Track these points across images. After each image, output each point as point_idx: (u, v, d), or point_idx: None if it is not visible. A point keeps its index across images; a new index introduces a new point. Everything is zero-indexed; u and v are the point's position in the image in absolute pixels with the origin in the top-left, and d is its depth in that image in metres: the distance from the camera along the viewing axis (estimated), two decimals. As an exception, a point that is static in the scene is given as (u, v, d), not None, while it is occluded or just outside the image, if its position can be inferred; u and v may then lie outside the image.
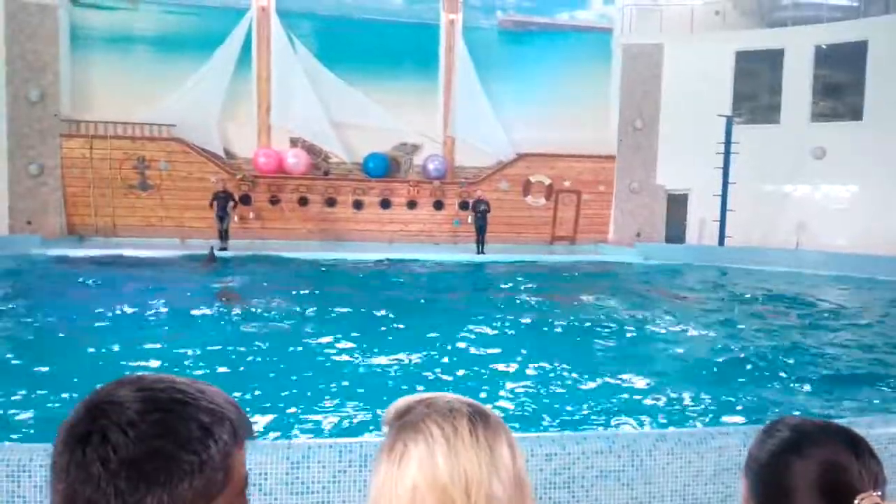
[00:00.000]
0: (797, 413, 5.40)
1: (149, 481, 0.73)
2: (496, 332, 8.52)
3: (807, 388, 6.45)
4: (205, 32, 18.53)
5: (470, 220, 18.39)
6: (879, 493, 1.00)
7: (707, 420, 5.33)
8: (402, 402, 0.89)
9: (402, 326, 8.67)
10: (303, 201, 18.96)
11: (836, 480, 1.02)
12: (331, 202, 19.15)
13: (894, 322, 10.06)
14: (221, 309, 9.59)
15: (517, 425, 5.04)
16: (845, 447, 1.05)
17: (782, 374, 6.90)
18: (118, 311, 8.93)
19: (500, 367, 6.80)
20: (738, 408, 5.73)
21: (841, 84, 18.65)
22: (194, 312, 9.16)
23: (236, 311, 9.40)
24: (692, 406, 5.75)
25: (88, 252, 15.24)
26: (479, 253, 17.74)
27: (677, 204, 20.07)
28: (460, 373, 6.58)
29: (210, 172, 18.21)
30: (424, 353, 7.35)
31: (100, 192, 17.90)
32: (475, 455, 0.81)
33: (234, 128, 18.94)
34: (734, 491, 2.65)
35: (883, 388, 6.45)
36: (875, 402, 6.00)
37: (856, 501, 0.99)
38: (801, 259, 16.70)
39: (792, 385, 6.56)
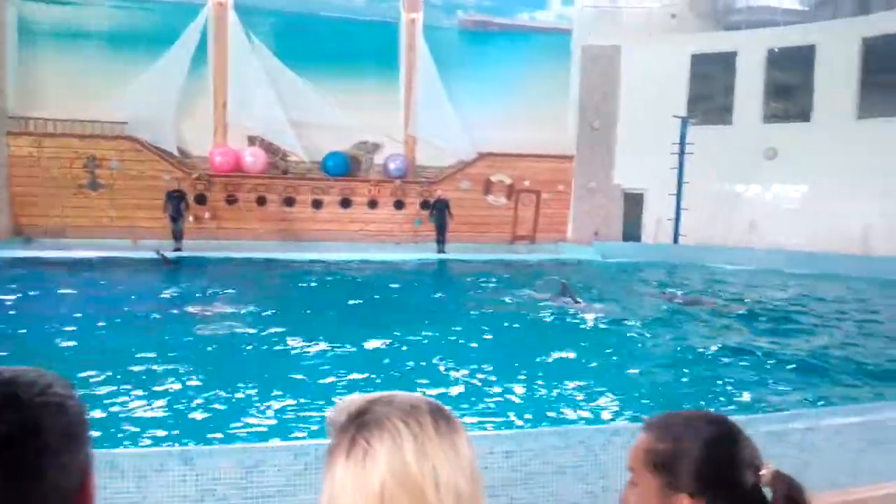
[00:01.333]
0: (733, 408, 5.53)
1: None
2: (455, 330, 8.52)
3: (754, 381, 6.62)
4: (159, 28, 18.10)
5: (431, 219, 18.38)
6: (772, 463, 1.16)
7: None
8: (352, 403, 0.87)
9: (359, 327, 8.61)
10: (261, 201, 18.68)
11: (754, 458, 1.16)
12: (289, 202, 18.92)
13: (841, 316, 10.41)
14: (174, 311, 9.38)
15: (476, 423, 5.05)
16: (738, 432, 1.20)
17: (729, 368, 7.08)
18: (66, 314, 8.65)
19: (459, 365, 6.81)
20: (688, 401, 5.85)
21: (791, 86, 19.22)
22: (145, 315, 8.94)
23: (192, 311, 9.20)
24: (644, 401, 5.85)
25: (36, 253, 14.74)
26: (440, 252, 17.76)
27: (634, 203, 20.42)
28: (418, 372, 6.57)
29: (163, 171, 17.81)
30: (383, 352, 7.32)
31: (48, 192, 17.33)
32: (441, 451, 0.81)
33: (189, 126, 18.55)
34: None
35: (823, 380, 6.66)
36: (812, 393, 6.20)
37: (763, 471, 1.13)
38: (752, 257, 17.16)
39: (738, 378, 6.73)
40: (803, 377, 6.79)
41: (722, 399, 5.97)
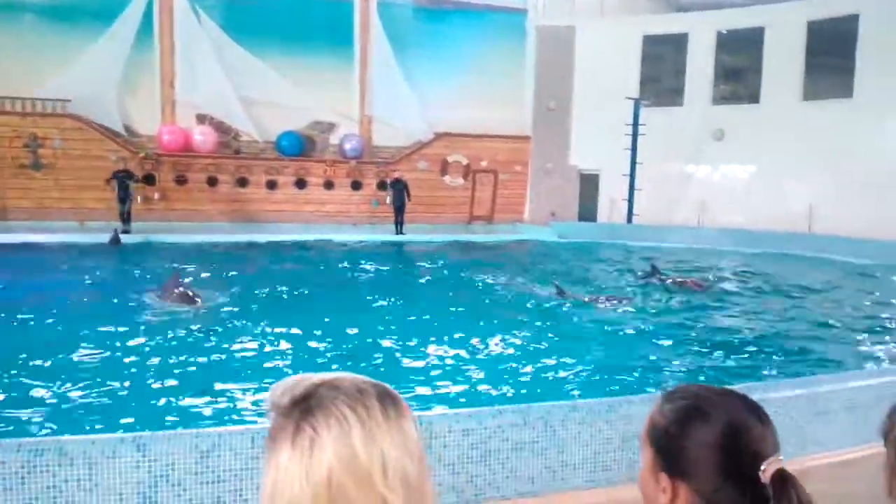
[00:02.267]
0: (702, 379, 5.71)
1: None
2: (414, 311, 8.52)
3: (704, 356, 6.82)
4: (103, 2, 17.38)
5: (388, 200, 18.28)
6: (781, 457, 1.03)
7: (615, 390, 5.55)
8: (295, 385, 0.84)
9: (316, 308, 8.53)
10: (212, 181, 18.25)
11: (740, 443, 1.04)
12: (242, 182, 18.54)
13: (784, 293, 10.78)
14: (123, 295, 9.12)
15: (435, 403, 5.08)
16: (747, 411, 1.08)
17: (683, 344, 7.28)
18: (10, 299, 8.33)
19: (418, 345, 6.83)
20: (642, 376, 6.00)
21: (740, 68, 19.66)
22: (94, 299, 8.68)
23: (141, 294, 8.96)
24: (601, 376, 5.96)
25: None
26: (397, 233, 17.69)
27: (589, 183, 20.69)
28: (375, 352, 6.55)
29: (109, 150, 17.21)
30: (339, 334, 7.27)
31: (-13, 173, 16.59)
32: (389, 435, 0.80)
33: (135, 104, 17.94)
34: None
35: (774, 356, 6.91)
36: (766, 368, 6.42)
37: (763, 467, 1.01)
38: (701, 236, 17.61)
39: (690, 354, 6.92)
40: (755, 352, 7.02)
41: (673, 375, 6.13)
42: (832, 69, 17.79)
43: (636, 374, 6.08)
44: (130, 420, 4.60)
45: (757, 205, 18.08)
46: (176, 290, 8.61)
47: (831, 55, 17.75)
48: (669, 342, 7.37)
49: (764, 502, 1.01)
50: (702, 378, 5.83)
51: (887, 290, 11.26)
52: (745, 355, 6.86)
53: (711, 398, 1.11)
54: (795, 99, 18.16)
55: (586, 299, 9.63)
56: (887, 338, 7.72)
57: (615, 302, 9.50)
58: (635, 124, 18.77)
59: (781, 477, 1.01)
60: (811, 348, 7.13)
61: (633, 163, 18.77)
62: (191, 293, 8.62)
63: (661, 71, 20.28)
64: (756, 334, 7.80)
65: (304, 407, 0.81)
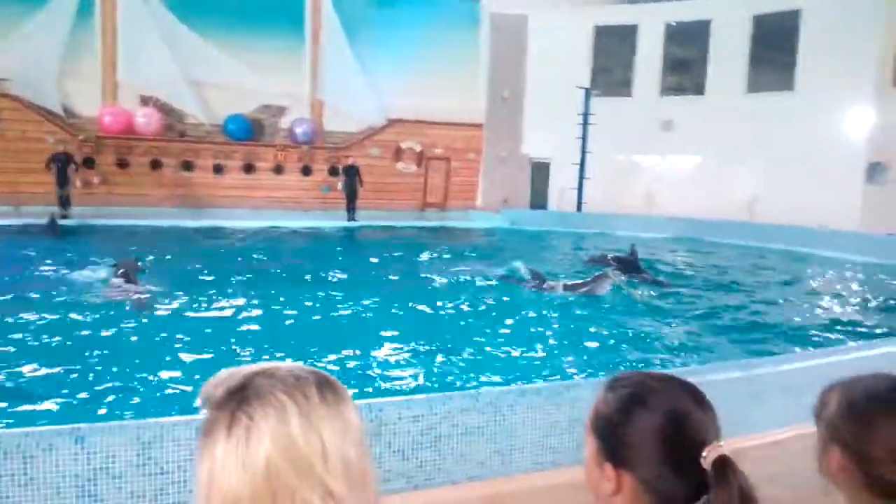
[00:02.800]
0: (642, 366, 5.86)
1: None
2: (365, 297, 8.48)
3: (647, 341, 7.00)
4: (37, -25, 16.60)
5: (340, 186, 18.08)
6: (723, 443, 1.03)
7: (560, 375, 5.65)
8: (230, 376, 0.83)
9: (265, 296, 8.40)
10: (155, 165, 17.71)
11: (682, 431, 1.04)
12: (187, 166, 18.05)
13: (726, 277, 11.14)
14: (61, 281, 8.80)
15: (385, 390, 5.07)
16: (688, 398, 1.08)
17: (627, 328, 7.45)
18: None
19: (368, 332, 6.80)
20: (587, 363, 6.12)
21: (687, 60, 20.10)
22: (30, 285, 8.34)
23: (79, 279, 8.66)
24: (548, 362, 6.06)
25: None
26: (350, 220, 17.54)
27: (541, 172, 20.91)
28: (325, 339, 6.50)
29: (47, 132, 16.51)
30: (288, 321, 7.18)
31: (-87, 153, 15.72)
32: (328, 421, 0.80)
33: (74, 84, 17.22)
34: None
35: (714, 340, 7.14)
36: (705, 352, 6.64)
37: (704, 453, 1.01)
38: (647, 223, 18.02)
39: (635, 338, 7.10)
40: (694, 335, 7.24)
41: (619, 359, 6.27)
42: (775, 63, 18.37)
43: (586, 359, 6.20)
44: (68, 412, 4.45)
45: (702, 194, 18.58)
46: (120, 282, 8.30)
47: (775, 49, 18.31)
48: (621, 328, 7.53)
49: (707, 488, 1.01)
50: (641, 365, 5.98)
51: (824, 278, 11.76)
52: (687, 341, 7.06)
53: (653, 386, 1.10)
54: (739, 91, 18.68)
55: (561, 289, 9.28)
56: (820, 323, 8.07)
57: (585, 289, 9.23)
58: (586, 114, 19.04)
59: (722, 463, 1.01)
60: (750, 333, 7.39)
61: (584, 152, 19.05)
62: (135, 285, 8.33)
63: (612, 62, 20.58)
64: (697, 320, 8.04)
65: (239, 397, 0.80)
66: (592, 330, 7.39)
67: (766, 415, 2.84)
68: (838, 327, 7.77)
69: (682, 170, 19.58)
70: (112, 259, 9.63)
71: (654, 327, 7.56)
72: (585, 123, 19.03)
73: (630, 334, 7.27)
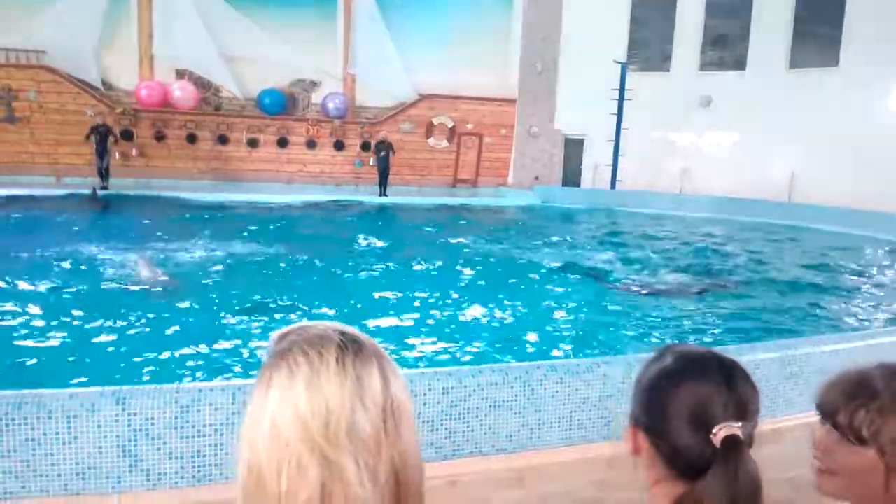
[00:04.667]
0: (692, 340, 5.81)
1: None
2: (399, 272, 8.54)
3: (696, 318, 6.93)
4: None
5: (372, 161, 18.11)
6: (741, 423, 1.03)
7: (594, 351, 5.63)
8: (285, 331, 0.84)
9: (299, 268, 8.52)
10: (191, 138, 17.94)
11: (702, 411, 1.05)
12: (223, 139, 18.25)
13: (764, 256, 10.93)
14: (103, 251, 9.02)
15: (419, 362, 5.12)
16: (717, 377, 1.08)
17: (660, 310, 7.38)
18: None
19: (403, 306, 6.86)
20: (624, 337, 6.09)
21: (728, 35, 19.53)
22: (72, 255, 8.57)
23: (123, 250, 8.87)
24: (581, 338, 6.04)
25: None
26: (381, 195, 17.59)
27: (574, 148, 20.64)
28: (362, 314, 6.57)
29: (86, 105, 16.82)
30: (324, 295, 7.27)
31: (-40, 125, 16.19)
32: (339, 384, 0.76)
33: (112, 57, 17.48)
34: (616, 415, 2.82)
35: (748, 317, 7.03)
36: (735, 329, 6.54)
37: (714, 430, 1.02)
38: (683, 202, 17.72)
39: (678, 315, 7.03)
40: (729, 315, 7.14)
41: (648, 338, 6.22)
42: (819, 37, 17.75)
43: (621, 334, 6.17)
44: (109, 376, 4.59)
45: (740, 173, 18.18)
46: (148, 268, 8.26)
47: (819, 23, 17.68)
48: (650, 306, 7.46)
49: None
50: (693, 339, 5.92)
51: (866, 260, 11.45)
52: (724, 317, 6.97)
53: (688, 360, 1.12)
54: (781, 67, 18.13)
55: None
56: (858, 304, 7.88)
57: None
58: (622, 89, 18.67)
59: (730, 443, 1.01)
60: (786, 314, 7.27)
61: (619, 128, 18.73)
62: (162, 272, 8.24)
63: (650, 35, 20.10)
64: (736, 300, 7.92)
65: (272, 352, 0.81)
66: (630, 306, 7.34)
67: (806, 396, 2.81)
68: (883, 310, 7.58)
69: (720, 147, 19.16)
70: (145, 235, 9.80)
71: (694, 307, 7.48)
72: (621, 99, 18.68)
73: (664, 315, 7.21)
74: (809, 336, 4.29)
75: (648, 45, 20.09)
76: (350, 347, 0.79)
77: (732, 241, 13.20)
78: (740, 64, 18.94)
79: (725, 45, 19.55)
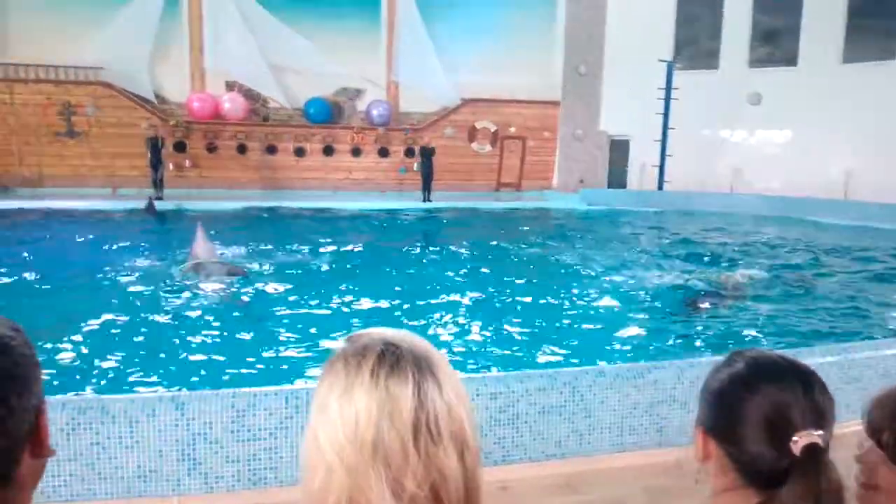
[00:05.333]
0: (764, 344, 5.67)
1: None
2: (445, 277, 8.57)
3: (753, 323, 6.76)
4: (130, -32, 17.43)
5: (416, 167, 18.22)
6: (821, 431, 1.00)
7: (644, 355, 5.54)
8: (352, 333, 0.88)
9: (350, 274, 8.63)
10: (241, 149, 18.39)
11: (780, 415, 1.03)
12: (271, 149, 18.64)
13: (821, 257, 10.58)
14: (159, 260, 9.31)
15: (467, 367, 5.13)
16: (794, 383, 1.06)
17: (721, 311, 7.21)
18: (56, 270, 8.56)
19: (446, 310, 6.88)
20: (673, 343, 5.97)
21: (778, 30, 18.99)
22: (131, 264, 8.88)
23: (177, 262, 9.14)
24: (630, 342, 5.96)
25: (15, 204, 14.49)
26: (425, 201, 17.68)
27: (619, 149, 20.36)
28: (408, 319, 6.62)
29: (140, 118, 17.41)
30: (372, 300, 7.35)
31: (23, 140, 16.93)
32: (369, 397, 0.77)
33: (164, 71, 18.07)
34: (669, 422, 2.78)
35: (810, 324, 6.82)
36: (802, 336, 6.35)
37: (795, 438, 0.99)
38: (735, 202, 17.28)
39: (735, 320, 6.86)
40: (788, 317, 6.93)
41: (702, 342, 6.09)
42: (874, 30, 17.10)
43: (671, 338, 6.06)
44: (168, 381, 4.73)
45: (793, 171, 17.64)
46: (204, 241, 8.47)
47: (874, 15, 17.04)
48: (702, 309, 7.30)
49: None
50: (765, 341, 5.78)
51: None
52: (784, 325, 6.77)
53: (763, 365, 1.10)
54: (835, 61, 17.54)
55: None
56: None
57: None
58: (668, 88, 18.33)
59: (811, 451, 0.98)
60: (847, 317, 7.02)
61: (666, 128, 18.38)
62: (224, 266, 8.49)
63: (696, 32, 19.70)
64: (795, 302, 7.69)
65: (329, 357, 0.85)
66: (680, 310, 7.20)
67: (865, 401, 2.72)
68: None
69: (772, 145, 18.62)
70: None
71: (756, 309, 7.29)
72: (668, 98, 18.34)
73: (716, 319, 7.05)
74: (869, 339, 4.14)
75: (695, 42, 19.68)
76: (387, 360, 0.80)
77: (787, 240, 12.82)
78: (791, 59, 18.39)
79: (775, 40, 19.01)
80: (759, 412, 1.04)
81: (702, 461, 1.11)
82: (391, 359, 0.80)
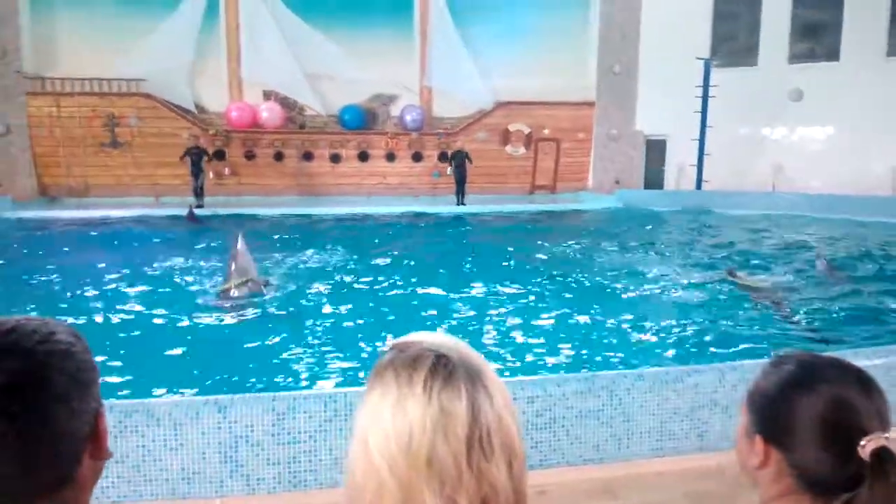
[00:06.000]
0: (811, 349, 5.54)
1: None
2: (480, 280, 8.56)
3: (794, 325, 6.60)
4: (169, -18, 17.88)
5: (449, 171, 18.27)
6: (888, 434, 0.98)
7: (684, 358, 5.46)
8: (397, 339, 0.87)
9: (386, 279, 8.69)
10: (278, 156, 18.68)
11: (844, 418, 1.00)
12: (307, 156, 18.89)
13: (870, 259, 10.27)
14: (200, 266, 9.50)
15: (504, 371, 5.12)
16: (855, 384, 1.03)
17: (763, 313, 7.06)
18: (103, 277, 8.82)
19: (483, 313, 6.87)
20: (713, 347, 5.87)
21: (819, 24, 18.53)
22: (174, 270, 9.09)
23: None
24: (669, 345, 5.87)
25: (63, 213, 14.98)
26: (459, 204, 17.69)
27: (656, 149, 20.08)
28: (445, 322, 6.63)
29: (181, 128, 17.82)
30: (411, 304, 7.39)
31: (70, 152, 17.48)
32: (423, 412, 0.77)
33: (203, 81, 18.47)
34: (710, 427, 2.73)
35: (860, 325, 6.62)
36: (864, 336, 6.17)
37: (862, 442, 0.97)
38: (777, 201, 16.89)
39: (775, 323, 6.71)
40: (830, 321, 6.76)
41: (743, 344, 5.97)
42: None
43: (711, 342, 5.95)
44: (211, 386, 4.83)
45: (836, 169, 17.17)
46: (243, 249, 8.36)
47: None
48: (740, 308, 7.16)
49: (862, 479, 0.96)
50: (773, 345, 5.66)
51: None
52: (832, 326, 6.60)
53: (818, 367, 1.07)
54: (880, 55, 17.03)
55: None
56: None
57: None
58: (706, 86, 18.02)
59: (881, 455, 0.95)
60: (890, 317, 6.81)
61: (703, 127, 18.07)
62: (256, 281, 8.15)
63: (734, 28, 19.33)
64: (844, 304, 7.48)
65: (377, 364, 0.84)
66: (723, 313, 7.07)
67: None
68: None
69: (815, 142, 18.16)
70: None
71: (799, 312, 7.12)
72: (706, 96, 18.02)
73: (760, 320, 6.90)
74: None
75: (733, 38, 19.31)
76: (440, 373, 0.79)
77: (831, 239, 12.48)
78: (833, 54, 17.91)
79: (816, 35, 18.54)
80: (819, 416, 1.02)
81: (758, 468, 1.08)
82: (444, 372, 0.79)
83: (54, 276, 8.71)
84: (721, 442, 2.62)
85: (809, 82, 17.79)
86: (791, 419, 1.04)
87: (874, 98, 16.60)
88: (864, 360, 2.77)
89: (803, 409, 1.03)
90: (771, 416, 1.07)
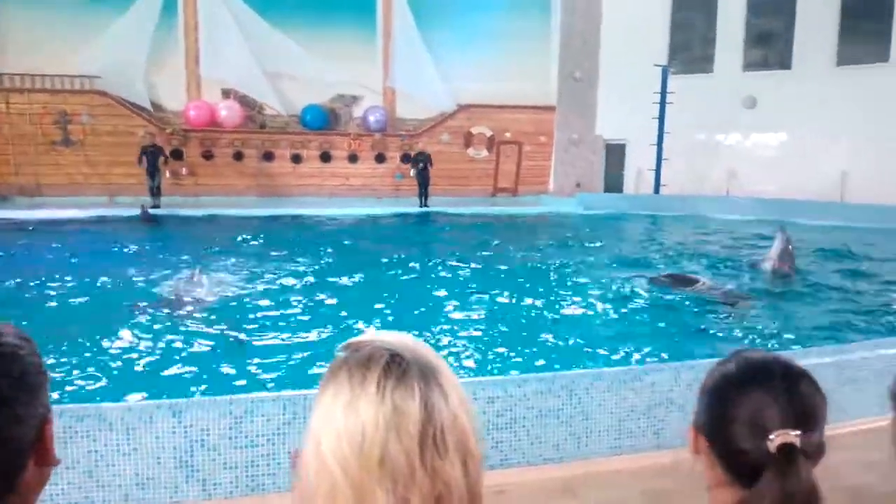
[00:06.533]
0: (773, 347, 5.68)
1: None
2: (441, 282, 8.57)
3: (735, 327, 6.77)
4: (125, -23, 17.47)
5: (412, 173, 18.26)
6: (799, 432, 1.01)
7: (639, 358, 5.55)
8: (349, 340, 0.85)
9: (346, 280, 8.63)
10: (238, 156, 18.39)
11: (760, 416, 1.04)
12: (268, 156, 18.65)
13: (821, 261, 10.60)
14: (155, 267, 9.30)
15: (464, 371, 5.13)
16: (780, 384, 1.07)
17: (713, 315, 7.22)
18: (53, 279, 8.55)
19: (445, 315, 6.88)
20: (667, 347, 5.98)
21: (772, 34, 19.08)
22: (127, 271, 8.87)
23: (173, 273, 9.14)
24: (627, 346, 5.96)
25: (12, 214, 14.48)
26: (422, 206, 17.70)
27: (615, 154, 20.41)
28: (405, 324, 6.62)
29: (137, 126, 17.42)
30: (368, 306, 7.35)
31: (20, 150, 16.92)
32: (374, 410, 0.75)
33: (161, 79, 18.09)
34: (666, 425, 2.78)
35: (804, 324, 6.83)
36: (797, 337, 6.36)
37: (771, 436, 1.01)
38: (731, 206, 17.32)
39: (719, 324, 6.88)
40: (788, 319, 6.95)
41: (703, 346, 6.10)
42: (868, 32, 17.19)
43: (666, 343, 6.06)
44: (165, 390, 4.72)
45: (788, 174, 17.70)
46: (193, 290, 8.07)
47: (867, 18, 17.14)
48: (703, 310, 7.32)
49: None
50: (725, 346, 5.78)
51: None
52: (783, 326, 6.79)
53: (752, 366, 1.12)
54: (829, 65, 17.63)
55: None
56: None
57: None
58: (663, 92, 18.40)
59: (786, 451, 0.99)
60: (842, 317, 7.04)
61: (661, 132, 18.45)
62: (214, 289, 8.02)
63: (691, 37, 19.79)
64: (795, 304, 7.71)
65: (330, 365, 0.83)
66: (678, 314, 7.22)
67: (860, 402, 2.72)
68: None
69: (768, 148, 18.68)
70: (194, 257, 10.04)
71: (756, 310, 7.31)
72: (663, 102, 18.41)
73: (720, 322, 7.06)
74: (864, 340, 4.15)
75: (690, 46, 19.77)
76: (394, 372, 0.78)
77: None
78: (785, 62, 18.48)
79: (769, 44, 19.10)
80: (741, 410, 1.07)
81: (693, 454, 1.16)
82: (397, 371, 0.78)
83: (2, 277, 8.41)
84: (676, 439, 2.67)
85: (762, 90, 18.31)
86: (714, 413, 1.11)
87: (824, 105, 17.16)
88: (814, 358, 2.86)
89: (727, 404, 1.09)
90: (701, 408, 1.15)
